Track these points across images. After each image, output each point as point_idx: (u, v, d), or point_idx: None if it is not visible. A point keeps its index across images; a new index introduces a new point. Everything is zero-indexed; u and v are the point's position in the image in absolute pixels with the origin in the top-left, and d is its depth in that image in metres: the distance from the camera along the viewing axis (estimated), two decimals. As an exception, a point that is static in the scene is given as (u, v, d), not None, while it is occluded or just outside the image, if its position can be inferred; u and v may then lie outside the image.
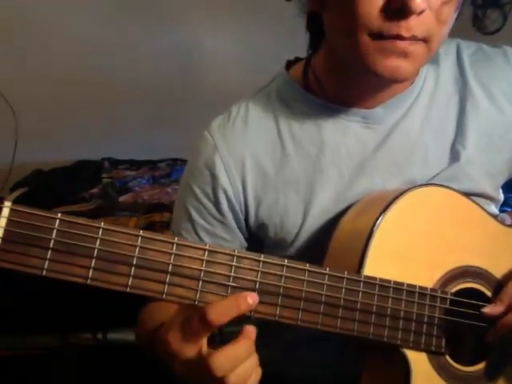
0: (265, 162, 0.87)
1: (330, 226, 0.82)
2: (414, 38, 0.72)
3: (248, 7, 2.29)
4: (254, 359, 0.65)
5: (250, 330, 0.64)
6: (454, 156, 0.87)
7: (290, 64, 0.94)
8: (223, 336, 0.68)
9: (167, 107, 2.88)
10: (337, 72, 0.86)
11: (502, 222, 0.87)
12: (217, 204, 0.87)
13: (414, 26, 0.71)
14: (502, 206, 0.98)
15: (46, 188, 2.36)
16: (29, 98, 2.63)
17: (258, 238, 0.90)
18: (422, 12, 0.70)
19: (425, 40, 0.73)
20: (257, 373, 0.66)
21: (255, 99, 0.91)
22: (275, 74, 0.94)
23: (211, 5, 2.82)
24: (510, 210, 1.09)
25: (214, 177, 0.86)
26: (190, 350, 0.64)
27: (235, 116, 0.89)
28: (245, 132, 0.88)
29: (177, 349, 0.64)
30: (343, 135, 0.86)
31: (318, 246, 0.81)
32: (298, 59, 0.94)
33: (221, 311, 0.62)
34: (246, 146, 0.87)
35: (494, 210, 0.92)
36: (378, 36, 0.72)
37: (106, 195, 2.32)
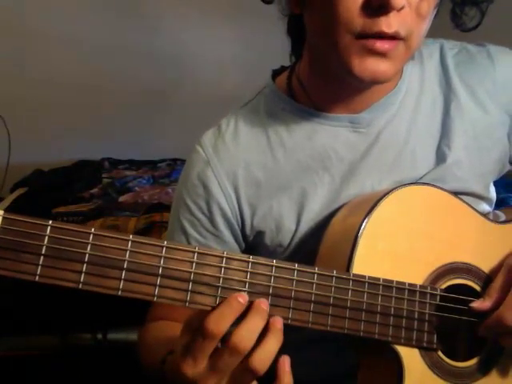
0: (256, 171, 0.88)
1: (323, 229, 0.83)
2: (396, 34, 0.72)
3: (245, 7, 2.28)
4: (274, 338, 0.65)
5: (259, 302, 0.65)
6: (440, 157, 0.87)
7: (276, 73, 0.94)
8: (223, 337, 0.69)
9: (167, 107, 2.89)
10: (321, 77, 0.86)
11: (494, 219, 0.87)
12: (211, 217, 0.88)
13: (394, 22, 0.71)
14: (501, 205, 0.98)
15: (46, 188, 2.37)
16: (29, 98, 2.64)
17: (254, 248, 0.91)
18: (401, 8, 0.71)
19: (405, 38, 0.74)
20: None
21: (244, 112, 0.92)
22: (264, 85, 0.94)
23: (209, 5, 2.82)
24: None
25: (207, 191, 0.88)
26: (204, 365, 0.64)
27: (225, 129, 0.91)
28: (235, 144, 0.89)
29: (193, 372, 0.65)
30: (332, 140, 0.87)
31: (312, 249, 0.82)
32: (283, 68, 0.95)
33: (217, 319, 0.63)
34: (238, 158, 0.88)
35: (486, 207, 0.92)
36: (360, 35, 0.73)
37: (106, 195, 2.33)
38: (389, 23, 0.71)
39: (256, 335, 0.64)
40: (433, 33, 0.80)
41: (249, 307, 0.65)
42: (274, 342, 0.65)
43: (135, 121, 2.85)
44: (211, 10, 2.84)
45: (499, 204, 0.98)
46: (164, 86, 2.87)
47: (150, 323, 0.94)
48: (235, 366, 0.64)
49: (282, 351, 0.67)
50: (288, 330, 0.68)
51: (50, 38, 2.68)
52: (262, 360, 0.64)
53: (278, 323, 0.66)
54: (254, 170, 0.88)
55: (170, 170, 2.66)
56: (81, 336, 1.69)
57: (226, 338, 0.64)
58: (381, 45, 0.73)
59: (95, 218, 1.98)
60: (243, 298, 0.64)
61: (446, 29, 0.85)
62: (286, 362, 0.67)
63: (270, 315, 0.66)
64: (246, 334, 0.64)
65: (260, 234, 0.88)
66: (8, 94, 2.56)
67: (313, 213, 0.86)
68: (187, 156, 0.93)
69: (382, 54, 0.73)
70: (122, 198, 2.30)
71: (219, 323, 0.63)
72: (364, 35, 0.72)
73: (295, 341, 0.89)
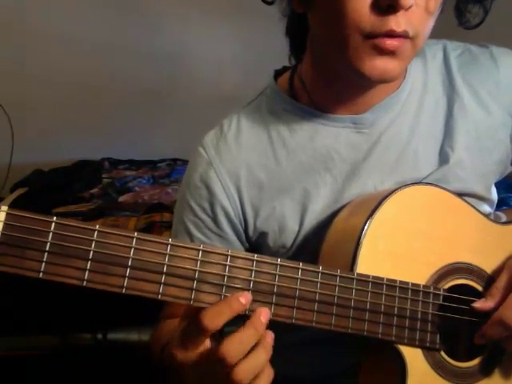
0: (259, 172, 0.88)
1: (325, 229, 0.83)
2: (404, 33, 0.72)
3: (245, 7, 2.29)
4: (263, 352, 0.65)
5: (260, 313, 0.65)
6: (443, 158, 0.87)
7: (277, 74, 0.94)
8: (223, 336, 0.69)
9: (167, 107, 2.89)
10: (323, 77, 0.86)
11: (496, 220, 0.87)
12: (215, 218, 0.88)
13: (402, 21, 0.71)
14: (501, 205, 0.98)
15: (46, 188, 2.36)
16: (29, 98, 2.64)
17: (257, 248, 0.91)
18: (409, 7, 0.71)
19: (412, 37, 0.74)
20: (269, 371, 0.67)
21: (246, 112, 0.92)
22: (264, 85, 0.94)
23: (209, 4, 2.82)
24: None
25: (210, 192, 0.87)
26: (193, 356, 0.65)
27: (227, 130, 0.90)
28: (238, 145, 0.89)
29: (181, 358, 0.65)
30: (334, 141, 0.87)
31: (314, 250, 0.81)
32: (285, 68, 0.95)
33: (214, 315, 0.63)
34: (240, 159, 0.88)
35: (487, 209, 0.92)
36: (369, 36, 0.72)
37: (106, 195, 2.33)
38: (397, 22, 0.71)
39: (247, 349, 0.64)
40: (435, 33, 0.80)
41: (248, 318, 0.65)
42: (262, 356, 0.65)
43: (135, 121, 2.85)
44: (211, 9, 2.84)
45: (499, 204, 0.98)
46: (164, 85, 2.87)
47: (161, 322, 0.94)
48: (220, 372, 0.64)
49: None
50: (288, 330, 0.68)
51: (51, 37, 2.68)
52: (246, 372, 0.64)
53: (269, 337, 0.66)
54: (256, 172, 0.88)
55: (170, 169, 2.65)
56: (81, 336, 1.68)
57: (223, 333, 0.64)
58: (390, 42, 0.72)
59: (95, 218, 1.98)
60: (245, 299, 0.64)
61: (449, 28, 0.85)
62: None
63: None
64: (237, 348, 0.63)
65: (263, 235, 0.88)
66: (7, 93, 2.56)
67: (315, 213, 0.86)
68: (189, 157, 0.93)
69: (391, 53, 0.73)
70: (121, 198, 2.29)
71: (214, 320, 0.63)
72: (373, 35, 0.72)
73: (294, 341, 0.90)
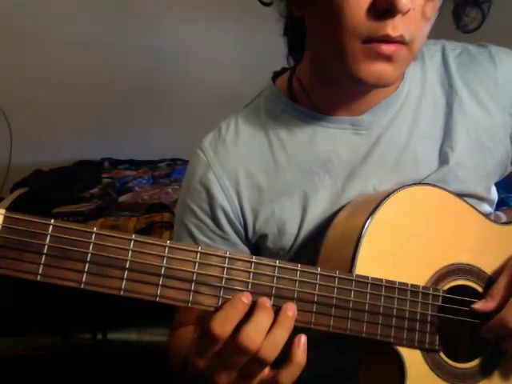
0: (258, 175, 0.87)
1: (324, 231, 0.83)
2: (401, 38, 0.72)
3: (245, 7, 2.29)
4: (281, 327, 0.65)
5: (264, 300, 0.65)
6: (443, 159, 0.87)
7: (276, 75, 0.94)
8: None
9: (167, 107, 2.89)
10: (322, 79, 0.86)
11: (495, 220, 0.87)
12: (215, 220, 0.88)
13: (399, 25, 0.71)
14: (501, 205, 0.97)
15: (46, 188, 2.36)
16: (29, 98, 2.64)
17: (257, 250, 0.91)
18: (407, 12, 0.70)
19: (408, 43, 0.74)
20: None
21: (244, 114, 0.92)
22: (263, 86, 0.94)
23: (209, 5, 2.82)
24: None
25: (209, 194, 0.87)
26: (215, 362, 0.65)
27: (225, 132, 0.90)
28: (236, 147, 0.89)
29: (205, 367, 0.66)
30: (333, 143, 0.87)
31: (315, 251, 0.81)
32: (284, 69, 0.94)
33: (222, 321, 0.63)
34: (239, 161, 0.88)
35: (487, 208, 0.92)
36: (366, 41, 0.72)
37: (106, 195, 2.33)
38: (394, 26, 0.71)
39: (264, 333, 0.64)
40: (435, 33, 0.80)
41: (254, 306, 0.65)
42: (281, 332, 0.65)
43: (135, 121, 2.86)
44: (211, 10, 2.84)
45: (499, 204, 0.98)
46: (164, 85, 2.87)
47: (174, 331, 0.95)
48: (247, 360, 0.65)
49: (280, 352, 0.67)
50: None
51: (51, 37, 2.68)
52: (269, 350, 0.64)
53: (290, 310, 0.66)
54: (255, 175, 0.88)
55: (170, 169, 2.66)
56: (81, 336, 1.69)
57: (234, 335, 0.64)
58: (387, 47, 0.72)
59: (95, 218, 1.98)
60: (247, 298, 0.64)
61: (448, 29, 0.85)
62: (301, 340, 0.67)
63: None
64: (255, 334, 0.64)
65: (262, 238, 0.88)
66: (7, 93, 2.56)
67: (315, 216, 0.86)
68: (189, 159, 0.93)
69: (387, 58, 0.73)
70: (121, 198, 2.29)
71: (224, 325, 0.63)
72: (370, 40, 0.72)
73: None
